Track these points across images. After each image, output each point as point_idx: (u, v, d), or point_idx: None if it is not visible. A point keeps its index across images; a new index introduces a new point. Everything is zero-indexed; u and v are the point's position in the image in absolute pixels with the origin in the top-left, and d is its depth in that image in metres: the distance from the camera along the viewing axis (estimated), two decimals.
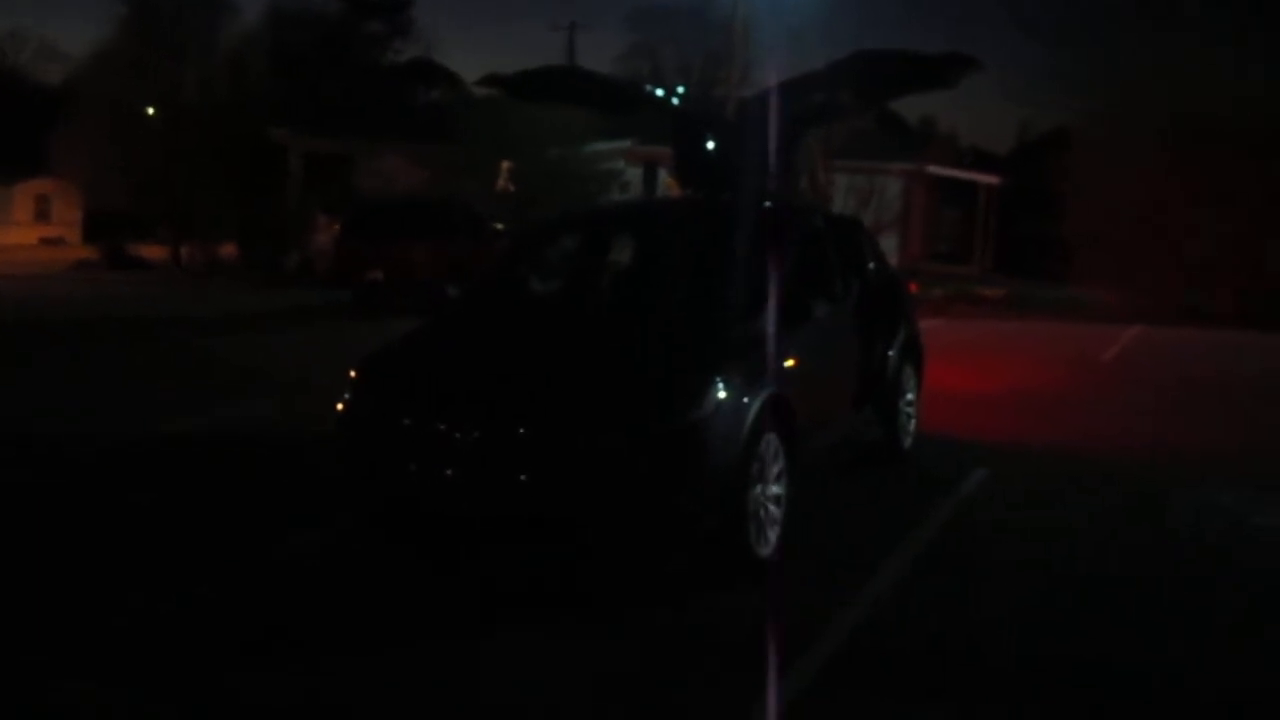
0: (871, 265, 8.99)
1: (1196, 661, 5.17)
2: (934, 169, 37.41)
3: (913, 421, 9.17)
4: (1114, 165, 24.59)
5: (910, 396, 9.11)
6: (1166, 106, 23.88)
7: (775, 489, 6.30)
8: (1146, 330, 20.37)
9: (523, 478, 5.76)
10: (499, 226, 22.14)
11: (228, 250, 32.12)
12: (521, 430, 5.81)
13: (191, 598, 5.71)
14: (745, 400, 6.04)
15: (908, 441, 9.03)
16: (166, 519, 7.04)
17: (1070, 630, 5.48)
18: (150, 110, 34.31)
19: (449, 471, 5.89)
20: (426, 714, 4.55)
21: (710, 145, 10.68)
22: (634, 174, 32.55)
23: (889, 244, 26.78)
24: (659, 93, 14.60)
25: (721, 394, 5.92)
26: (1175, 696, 4.81)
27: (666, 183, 29.86)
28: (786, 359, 6.68)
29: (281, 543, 6.58)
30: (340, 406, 6.41)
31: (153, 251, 33.22)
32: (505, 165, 29.57)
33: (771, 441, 6.24)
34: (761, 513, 6.15)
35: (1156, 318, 21.89)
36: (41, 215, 48.85)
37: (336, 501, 6.89)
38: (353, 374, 6.51)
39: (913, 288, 10.77)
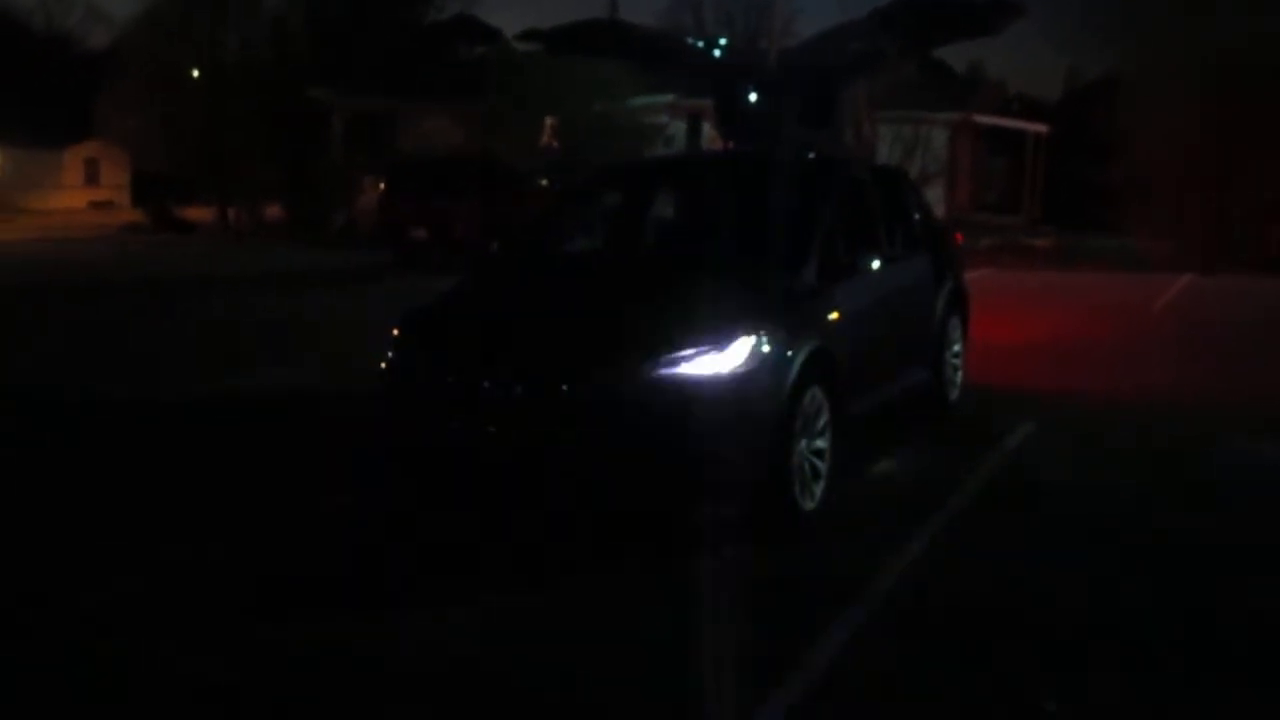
0: (916, 216, 8.90)
1: (1255, 617, 5.11)
2: (981, 118, 36.93)
3: (959, 373, 9.10)
4: (1162, 112, 24.17)
5: (957, 348, 9.03)
6: (1210, 49, 23.39)
7: (820, 443, 6.26)
8: (1197, 279, 20.09)
9: (565, 434, 5.76)
10: (544, 183, 22.11)
11: (273, 211, 32.29)
12: (564, 386, 5.80)
13: (234, 552, 5.78)
14: (789, 354, 6.00)
15: (954, 394, 8.97)
16: (218, 474, 7.13)
17: (1118, 586, 5.41)
18: (195, 72, 34.47)
19: (492, 428, 5.90)
20: (466, 663, 4.58)
21: (753, 97, 10.58)
22: (678, 128, 32.35)
23: (935, 195, 26.51)
24: (700, 45, 14.44)
25: (765, 348, 5.89)
26: (1227, 651, 4.78)
27: (710, 136, 29.68)
28: (830, 312, 6.64)
29: (321, 501, 6.63)
30: (383, 364, 6.43)
31: (199, 213, 33.44)
32: (549, 121, 29.51)
33: (816, 395, 6.20)
34: (806, 466, 6.12)
35: (1207, 266, 21.58)
36: (91, 178, 49.33)
37: (376, 459, 6.91)
38: (395, 331, 6.52)
39: (958, 238, 10.66)
